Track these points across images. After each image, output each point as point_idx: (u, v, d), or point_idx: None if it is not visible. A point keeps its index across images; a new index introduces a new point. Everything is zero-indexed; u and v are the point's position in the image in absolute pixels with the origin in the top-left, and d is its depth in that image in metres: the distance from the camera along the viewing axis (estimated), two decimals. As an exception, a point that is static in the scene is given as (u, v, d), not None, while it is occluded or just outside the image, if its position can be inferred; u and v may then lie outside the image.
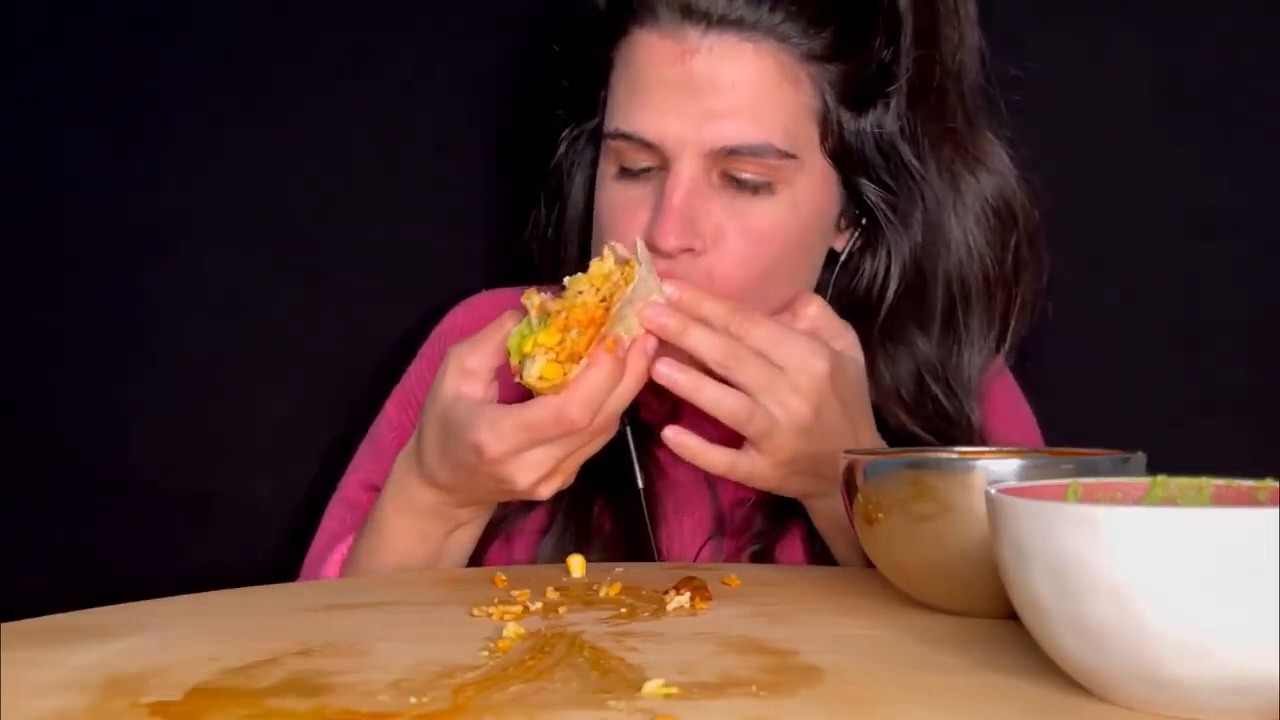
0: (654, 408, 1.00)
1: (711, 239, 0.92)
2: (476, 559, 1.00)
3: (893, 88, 0.95)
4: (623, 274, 0.85)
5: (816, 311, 0.92)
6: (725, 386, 0.87)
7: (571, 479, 0.89)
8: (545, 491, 0.88)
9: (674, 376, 0.86)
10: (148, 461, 1.26)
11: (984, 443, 1.01)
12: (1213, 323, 1.24)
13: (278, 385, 1.27)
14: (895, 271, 0.99)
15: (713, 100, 0.90)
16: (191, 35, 1.27)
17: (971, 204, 1.00)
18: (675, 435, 0.89)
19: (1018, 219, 1.02)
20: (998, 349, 1.04)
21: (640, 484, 1.01)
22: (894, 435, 0.98)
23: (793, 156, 0.92)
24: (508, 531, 1.02)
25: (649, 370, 0.86)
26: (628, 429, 0.99)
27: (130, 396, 1.27)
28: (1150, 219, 1.25)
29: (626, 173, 0.95)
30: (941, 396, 1.00)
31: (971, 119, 1.01)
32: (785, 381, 0.87)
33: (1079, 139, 1.24)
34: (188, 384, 1.27)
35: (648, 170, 0.94)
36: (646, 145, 0.92)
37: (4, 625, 0.69)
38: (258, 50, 1.27)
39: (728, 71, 0.90)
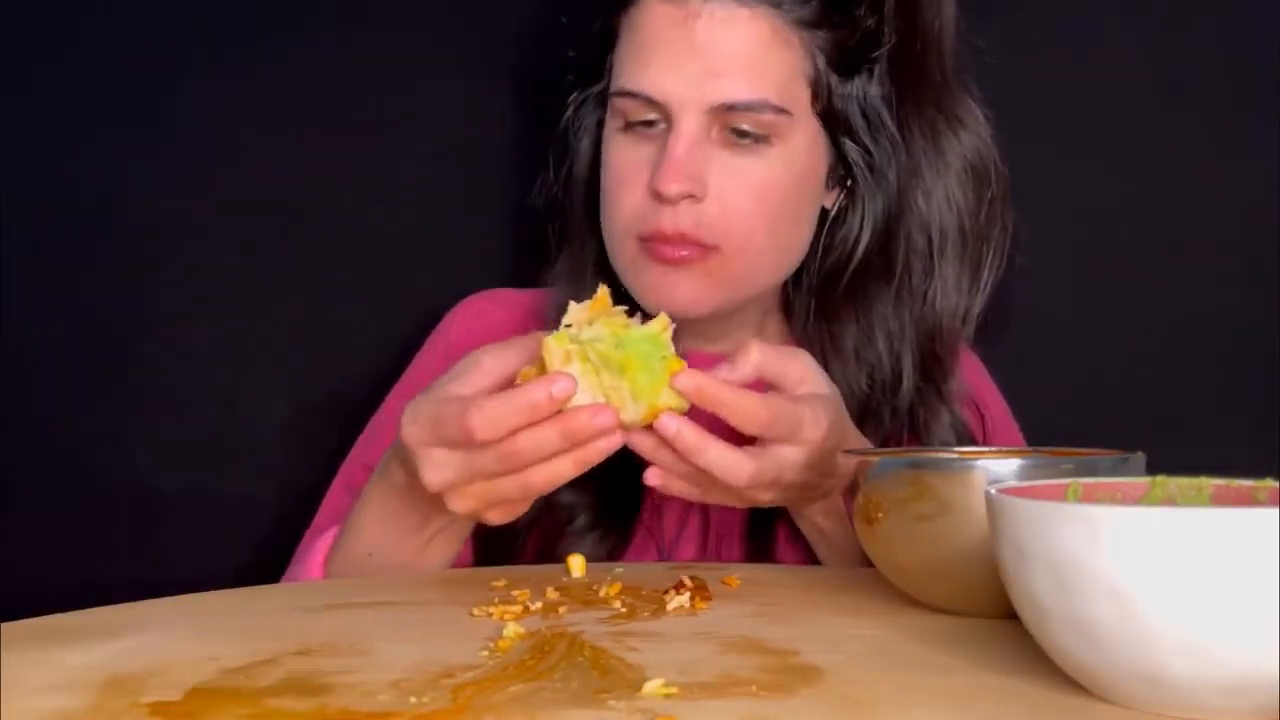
0: None
1: (713, 191, 0.99)
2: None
3: (877, 54, 1.01)
4: (588, 313, 0.82)
5: (758, 356, 0.88)
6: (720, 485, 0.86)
7: (487, 507, 0.84)
8: (454, 504, 0.83)
9: (669, 487, 0.86)
10: (148, 461, 1.26)
11: (960, 391, 1.08)
12: (1213, 322, 1.24)
13: (278, 385, 1.27)
14: (869, 225, 1.05)
15: (713, 60, 0.98)
16: (192, 35, 1.27)
17: (952, 161, 1.06)
18: (656, 479, 0.86)
19: (991, 177, 1.08)
20: (970, 295, 1.09)
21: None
22: (882, 382, 1.05)
23: (787, 113, 0.99)
24: None
25: (593, 459, 0.81)
26: None
27: (130, 396, 1.27)
28: (1150, 219, 1.25)
29: (631, 127, 1.02)
30: (926, 337, 1.06)
31: (950, 84, 1.07)
32: (792, 457, 0.86)
33: (1079, 139, 1.24)
34: (188, 384, 1.27)
35: (652, 123, 1.01)
36: (651, 103, 0.99)
37: (4, 625, 0.69)
38: (258, 50, 1.27)
39: (725, 35, 0.98)
